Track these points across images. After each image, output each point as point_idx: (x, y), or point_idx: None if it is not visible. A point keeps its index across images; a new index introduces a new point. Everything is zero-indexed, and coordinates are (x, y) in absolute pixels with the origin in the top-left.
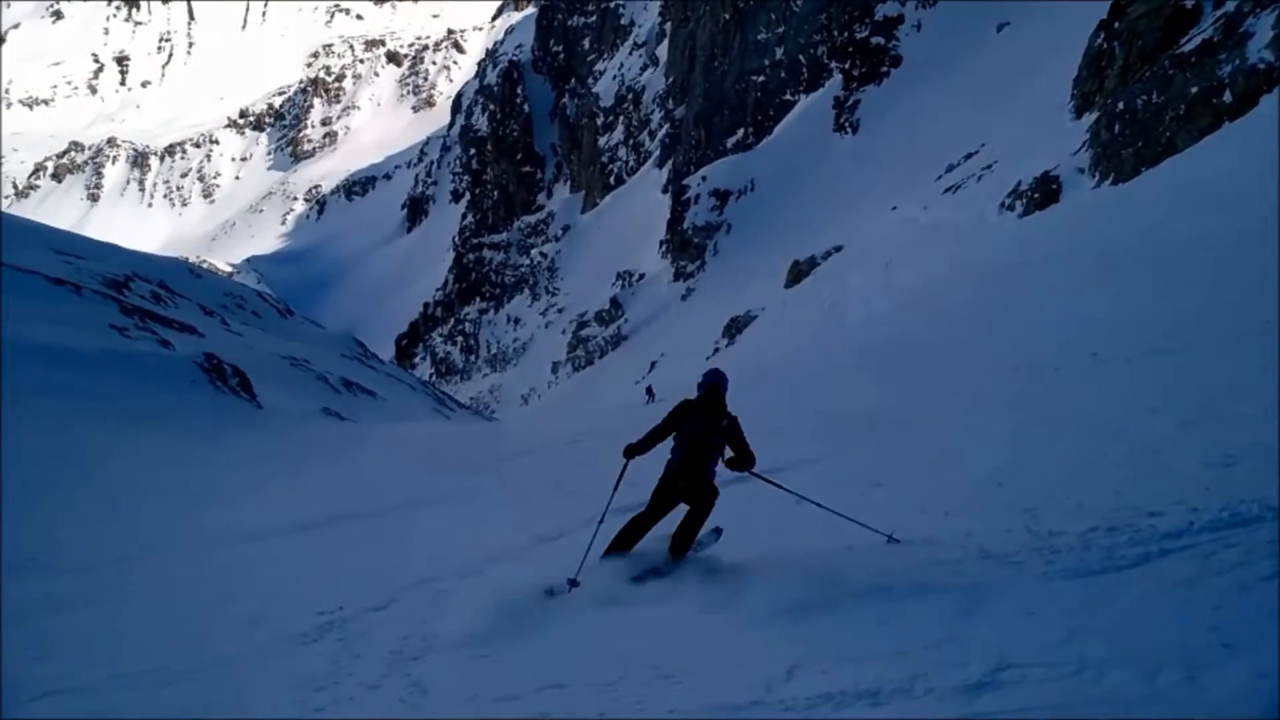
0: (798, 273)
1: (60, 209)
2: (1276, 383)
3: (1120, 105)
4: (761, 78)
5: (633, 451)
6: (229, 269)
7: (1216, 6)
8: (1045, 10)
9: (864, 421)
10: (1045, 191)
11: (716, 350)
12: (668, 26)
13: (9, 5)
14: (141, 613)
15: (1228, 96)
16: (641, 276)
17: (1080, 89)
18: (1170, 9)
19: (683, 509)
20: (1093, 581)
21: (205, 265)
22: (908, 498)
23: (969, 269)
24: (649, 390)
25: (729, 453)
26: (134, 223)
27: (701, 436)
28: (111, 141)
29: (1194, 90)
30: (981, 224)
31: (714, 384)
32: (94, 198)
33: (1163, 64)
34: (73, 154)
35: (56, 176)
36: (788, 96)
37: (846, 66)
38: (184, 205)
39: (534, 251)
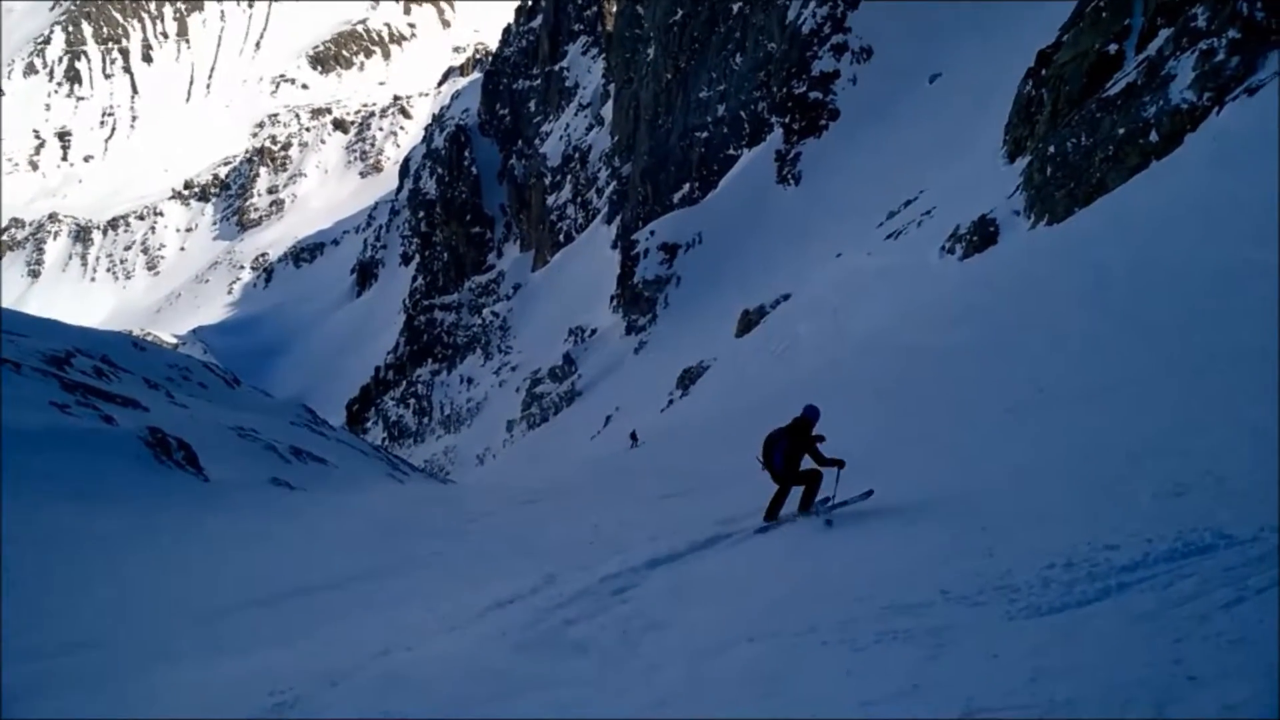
0: (748, 322)
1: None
2: (1222, 413)
3: (1051, 149)
4: (705, 134)
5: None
6: (174, 340)
7: (1139, 51)
8: (975, 61)
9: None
10: (984, 234)
11: (671, 402)
12: (611, 87)
13: None
14: (96, 704)
15: (1154, 136)
16: (594, 332)
17: (1012, 135)
18: (1094, 55)
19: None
20: (1055, 619)
21: (150, 338)
22: (869, 543)
23: (915, 313)
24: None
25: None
26: (77, 298)
27: (769, 443)
28: (53, 217)
29: (1121, 132)
30: (924, 268)
31: (802, 415)
32: (35, 274)
33: (1090, 108)
34: (13, 231)
35: None
36: (731, 151)
37: (787, 121)
38: (127, 278)
39: (485, 311)
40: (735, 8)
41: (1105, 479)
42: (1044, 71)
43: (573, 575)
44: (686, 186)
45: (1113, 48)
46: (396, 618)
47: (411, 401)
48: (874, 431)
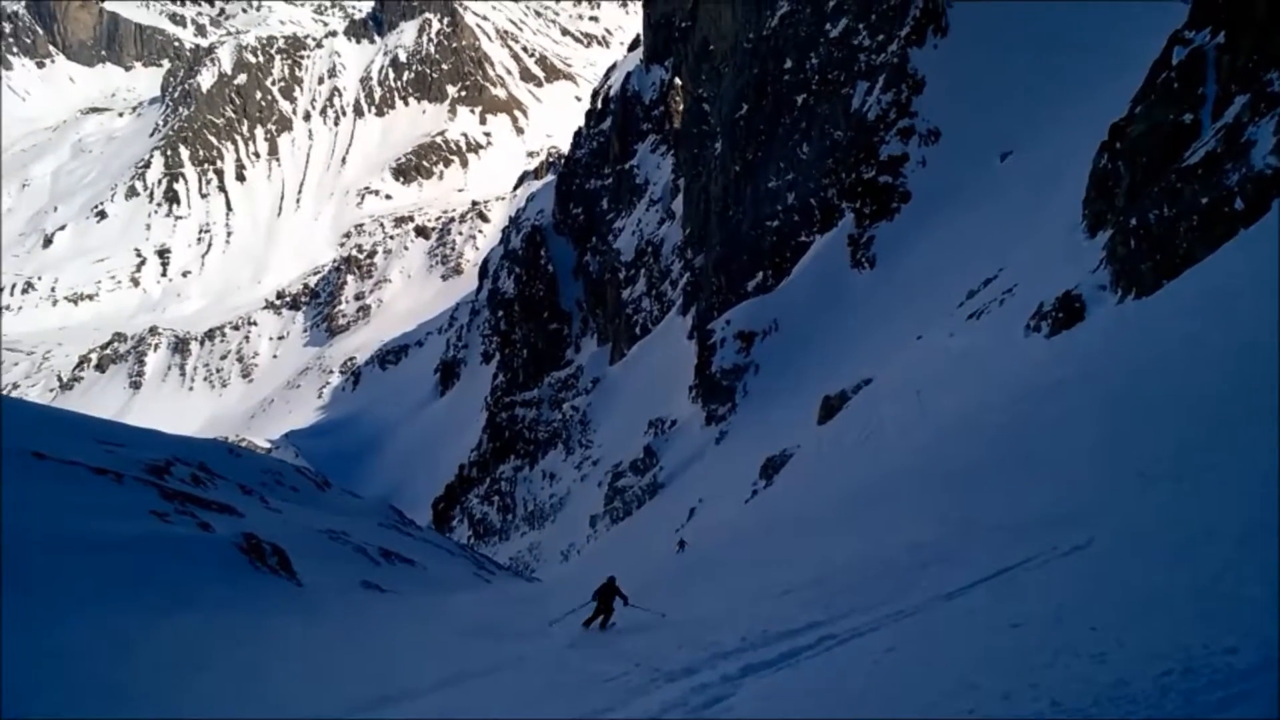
0: (829, 408)
1: (104, 398)
2: None
3: (1133, 221)
4: (776, 222)
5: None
6: (268, 445)
7: (1215, 119)
8: (1045, 137)
9: (913, 562)
10: (1069, 310)
11: (755, 492)
12: (681, 182)
13: (55, 209)
14: None
15: (1239, 204)
16: (674, 423)
17: (1091, 209)
18: (1170, 126)
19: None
20: None
21: (244, 444)
22: (974, 643)
23: (1002, 392)
24: (681, 543)
25: None
26: (175, 406)
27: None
28: (153, 330)
29: (1205, 201)
30: (1009, 346)
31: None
32: (136, 385)
33: (1169, 178)
34: (116, 344)
35: (100, 367)
36: (803, 238)
37: (857, 206)
38: (224, 386)
39: (565, 406)
40: (799, 99)
41: (1216, 569)
42: (1118, 144)
43: (661, 685)
44: (760, 275)
45: (1188, 117)
46: None
47: (495, 499)
48: (963, 519)
